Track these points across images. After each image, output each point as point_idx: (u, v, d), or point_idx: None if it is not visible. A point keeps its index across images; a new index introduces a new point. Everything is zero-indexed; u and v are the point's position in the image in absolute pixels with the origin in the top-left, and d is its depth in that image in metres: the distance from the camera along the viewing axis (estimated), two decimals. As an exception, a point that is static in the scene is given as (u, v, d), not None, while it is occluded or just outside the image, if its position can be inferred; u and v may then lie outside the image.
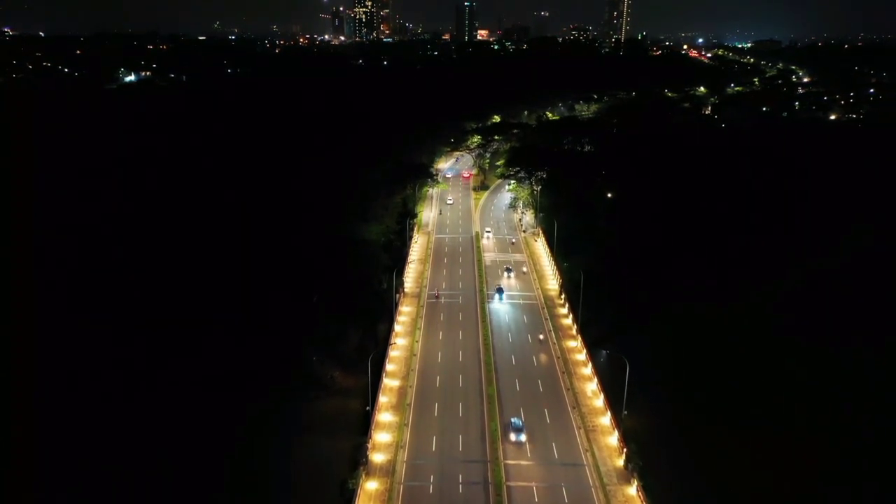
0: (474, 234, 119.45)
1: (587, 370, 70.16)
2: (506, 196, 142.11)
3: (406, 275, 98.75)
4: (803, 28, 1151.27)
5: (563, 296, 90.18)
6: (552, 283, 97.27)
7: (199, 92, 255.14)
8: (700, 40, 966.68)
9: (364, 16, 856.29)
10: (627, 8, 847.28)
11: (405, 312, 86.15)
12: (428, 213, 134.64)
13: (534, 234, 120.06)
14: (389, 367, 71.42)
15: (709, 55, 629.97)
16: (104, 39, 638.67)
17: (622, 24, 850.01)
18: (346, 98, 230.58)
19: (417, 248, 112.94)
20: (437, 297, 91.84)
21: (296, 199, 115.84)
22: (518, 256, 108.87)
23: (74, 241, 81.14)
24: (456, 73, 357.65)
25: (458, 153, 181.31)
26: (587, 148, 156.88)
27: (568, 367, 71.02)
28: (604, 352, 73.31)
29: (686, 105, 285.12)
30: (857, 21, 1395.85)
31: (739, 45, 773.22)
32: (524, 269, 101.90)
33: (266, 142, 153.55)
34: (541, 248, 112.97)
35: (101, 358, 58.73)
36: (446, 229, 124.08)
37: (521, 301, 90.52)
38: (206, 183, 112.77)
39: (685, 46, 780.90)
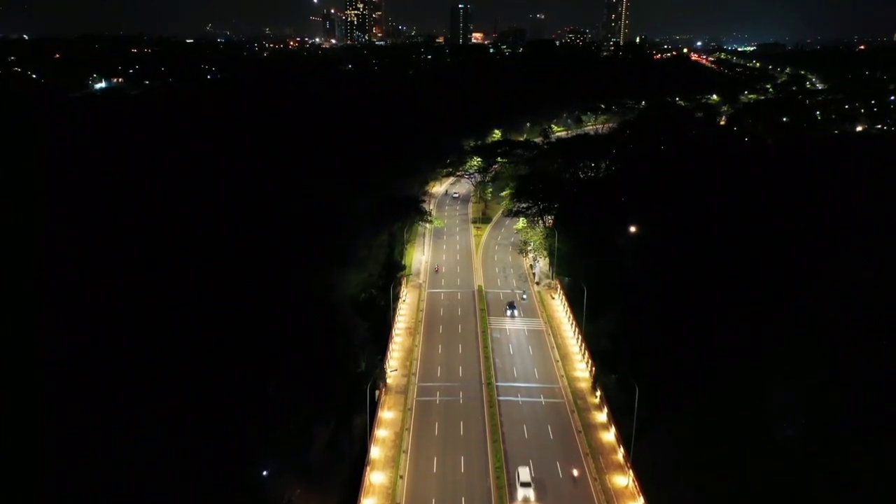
0: (476, 288, 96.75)
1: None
2: (512, 231, 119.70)
3: (390, 352, 76.10)
4: (799, 31, 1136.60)
5: (598, 392, 67.64)
6: (580, 365, 74.74)
7: (169, 101, 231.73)
8: (699, 43, 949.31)
9: (356, 18, 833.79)
10: (626, 10, 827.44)
11: (386, 422, 63.48)
12: (420, 256, 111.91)
13: (549, 286, 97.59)
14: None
15: (711, 59, 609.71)
16: (91, 42, 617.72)
17: (621, 26, 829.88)
18: (330, 109, 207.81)
19: (406, 309, 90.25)
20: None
21: (256, 238, 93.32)
22: (534, 324, 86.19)
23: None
24: (451, 79, 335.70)
25: (452, 178, 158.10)
26: (602, 173, 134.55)
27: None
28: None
29: (699, 115, 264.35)
30: (847, 23, 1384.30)
31: (742, 49, 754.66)
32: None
33: (226, 164, 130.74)
34: (560, 308, 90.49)
35: None
36: (441, 280, 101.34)
37: (543, 398, 67.87)
38: (134, 217, 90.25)
39: (685, 50, 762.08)
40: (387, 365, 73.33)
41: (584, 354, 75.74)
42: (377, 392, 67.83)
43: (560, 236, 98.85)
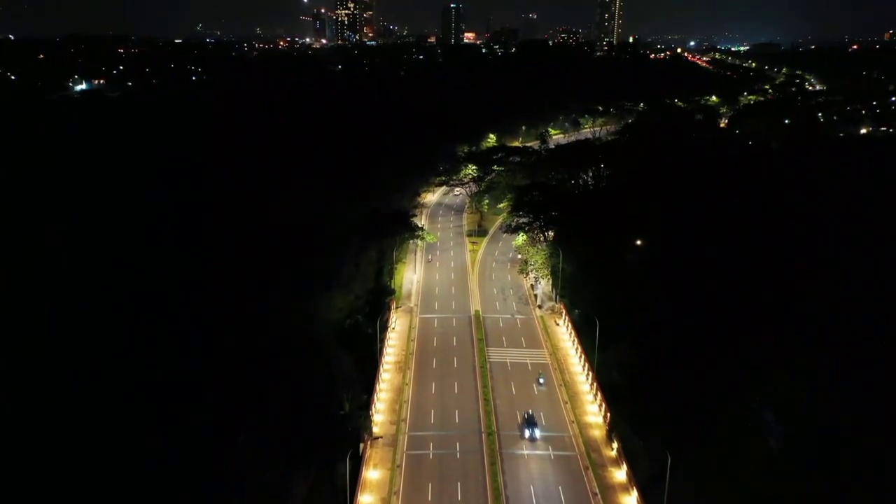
0: (473, 313, 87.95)
1: None
2: (510, 245, 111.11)
3: (377, 394, 67.24)
4: (790, 31, 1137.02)
5: (614, 444, 59.02)
6: (591, 407, 66.14)
7: (148, 104, 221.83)
8: (692, 43, 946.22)
9: (346, 18, 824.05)
10: (619, 10, 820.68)
11: (372, 484, 54.62)
12: (411, 275, 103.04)
13: (553, 310, 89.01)
14: None
15: (706, 59, 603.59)
16: (77, 43, 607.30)
17: (614, 26, 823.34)
18: (316, 113, 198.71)
19: (395, 338, 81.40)
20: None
21: (227, 254, 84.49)
22: (537, 356, 77.48)
23: None
24: (443, 80, 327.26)
25: (442, 187, 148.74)
26: (605, 182, 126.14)
27: None
28: None
29: (699, 117, 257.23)
30: (837, 23, 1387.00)
31: (735, 49, 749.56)
32: (540, 381, 70.24)
33: (199, 171, 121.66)
34: (565, 336, 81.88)
35: None
36: (435, 303, 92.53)
37: (551, 450, 59.14)
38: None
39: (679, 50, 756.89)
40: (373, 409, 64.53)
41: (595, 395, 67.12)
42: (361, 445, 59.04)
43: (563, 254, 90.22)
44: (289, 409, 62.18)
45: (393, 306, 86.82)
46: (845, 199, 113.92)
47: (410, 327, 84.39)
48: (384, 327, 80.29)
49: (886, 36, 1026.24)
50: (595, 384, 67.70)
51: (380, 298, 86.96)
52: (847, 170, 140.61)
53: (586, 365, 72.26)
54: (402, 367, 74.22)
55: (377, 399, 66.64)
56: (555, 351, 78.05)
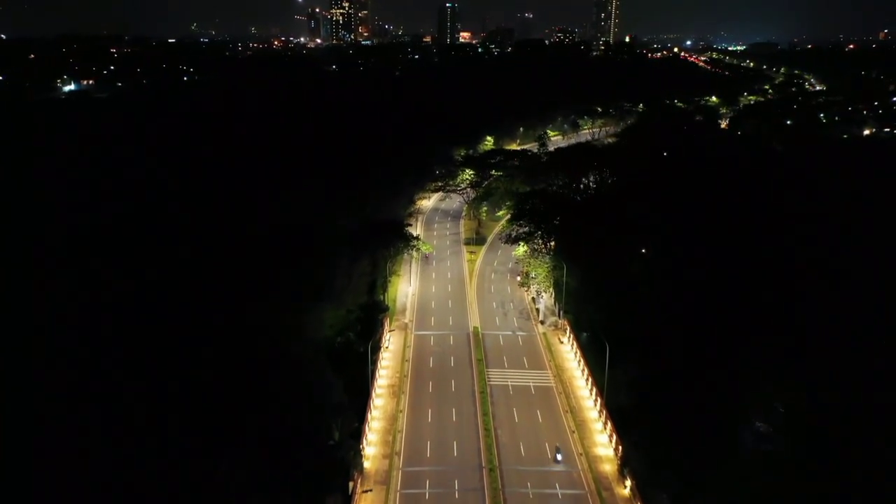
0: (471, 330, 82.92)
1: None
2: (509, 254, 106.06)
3: (369, 423, 62.21)
4: (785, 30, 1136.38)
5: (627, 480, 54.08)
6: (601, 437, 61.20)
7: (136, 105, 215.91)
8: (688, 42, 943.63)
9: (341, 17, 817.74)
10: (615, 10, 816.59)
11: (362, 531, 49.50)
12: (406, 287, 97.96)
13: (556, 327, 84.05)
14: None
15: (703, 59, 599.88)
16: (70, 42, 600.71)
17: (610, 26, 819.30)
18: (308, 114, 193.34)
19: (389, 358, 76.34)
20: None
21: (210, 263, 79.24)
22: (541, 378, 72.47)
23: None
24: (439, 81, 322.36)
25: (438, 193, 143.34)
26: (607, 188, 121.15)
27: None
28: None
29: (699, 118, 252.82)
30: (832, 22, 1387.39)
31: (732, 48, 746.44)
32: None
33: (182, 175, 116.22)
34: (570, 355, 76.91)
35: None
36: (431, 318, 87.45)
37: (559, 488, 54.19)
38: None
39: (675, 49, 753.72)
40: (364, 441, 59.49)
41: (605, 423, 62.13)
42: (351, 483, 54.00)
43: (566, 266, 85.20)
44: (274, 439, 57.22)
45: (386, 324, 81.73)
46: (858, 204, 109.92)
47: (405, 346, 79.33)
48: (377, 347, 75.23)
49: (881, 35, 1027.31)
50: (604, 412, 62.73)
51: (373, 315, 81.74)
52: (856, 173, 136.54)
53: (594, 389, 67.33)
54: (395, 391, 69.14)
55: (369, 429, 61.65)
56: (559, 372, 73.07)
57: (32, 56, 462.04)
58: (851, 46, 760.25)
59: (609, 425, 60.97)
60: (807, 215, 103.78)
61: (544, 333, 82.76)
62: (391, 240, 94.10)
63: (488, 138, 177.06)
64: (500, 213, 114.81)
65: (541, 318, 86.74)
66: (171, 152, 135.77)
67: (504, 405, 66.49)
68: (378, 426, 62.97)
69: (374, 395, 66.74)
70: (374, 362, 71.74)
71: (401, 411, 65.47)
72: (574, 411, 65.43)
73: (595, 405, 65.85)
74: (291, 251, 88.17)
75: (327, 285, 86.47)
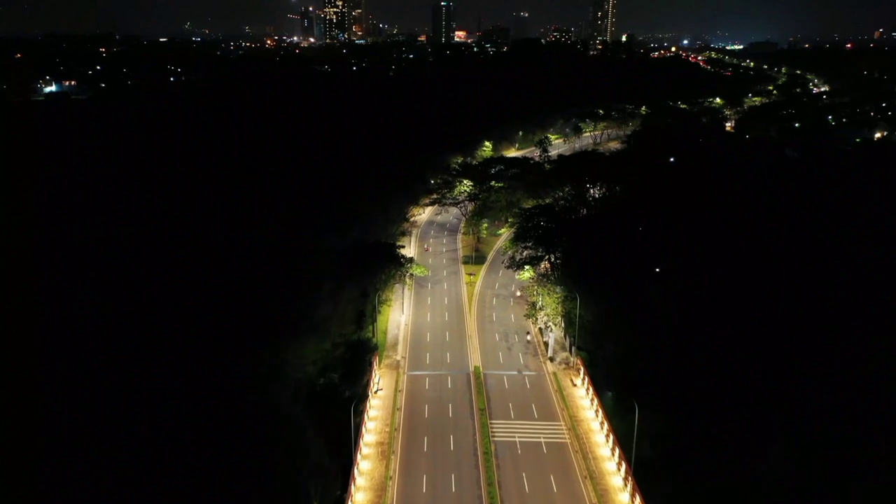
0: (472, 370, 73.08)
1: None
2: (511, 276, 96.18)
3: (353, 498, 52.33)
4: (781, 29, 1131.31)
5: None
6: (628, 512, 51.47)
7: (117, 107, 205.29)
8: (685, 42, 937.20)
9: (335, 16, 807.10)
10: (612, 8, 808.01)
11: None
12: (398, 316, 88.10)
13: (568, 365, 74.32)
14: None
15: (702, 58, 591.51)
16: (58, 42, 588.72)
17: (607, 24, 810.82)
18: (299, 119, 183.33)
19: (378, 407, 66.45)
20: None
21: (172, 287, 69.55)
22: (554, 431, 62.66)
23: None
24: (434, 82, 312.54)
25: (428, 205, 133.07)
26: (617, 200, 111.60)
27: None
28: None
29: (704, 120, 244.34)
30: (827, 21, 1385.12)
31: (730, 48, 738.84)
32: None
33: (151, 187, 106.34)
34: (585, 403, 67.17)
35: None
36: (426, 355, 77.59)
37: (581, 588, 44.43)
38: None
39: (673, 48, 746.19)
40: (346, 521, 49.66)
41: (633, 496, 52.34)
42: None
43: (575, 292, 75.42)
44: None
45: (375, 364, 71.81)
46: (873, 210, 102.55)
47: (396, 390, 69.47)
48: (364, 395, 65.42)
49: (876, 34, 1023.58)
50: (631, 480, 52.94)
51: (360, 354, 71.86)
52: (877, 182, 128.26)
53: (616, 448, 57.61)
54: (385, 450, 59.28)
55: (352, 503, 51.75)
56: (574, 424, 63.30)
57: (19, 55, 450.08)
58: (849, 46, 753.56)
59: (638, 499, 51.18)
60: (838, 231, 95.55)
61: (554, 373, 72.98)
62: (381, 265, 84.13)
63: (486, 144, 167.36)
64: (502, 231, 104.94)
65: (550, 353, 76.88)
66: (139, 163, 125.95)
67: (512, 469, 56.70)
68: (363, 498, 53.10)
69: (359, 457, 56.92)
70: (361, 413, 61.96)
71: (391, 477, 55.63)
72: (594, 477, 55.67)
73: (619, 469, 56.14)
74: (269, 276, 78.51)
75: (309, 315, 76.59)
